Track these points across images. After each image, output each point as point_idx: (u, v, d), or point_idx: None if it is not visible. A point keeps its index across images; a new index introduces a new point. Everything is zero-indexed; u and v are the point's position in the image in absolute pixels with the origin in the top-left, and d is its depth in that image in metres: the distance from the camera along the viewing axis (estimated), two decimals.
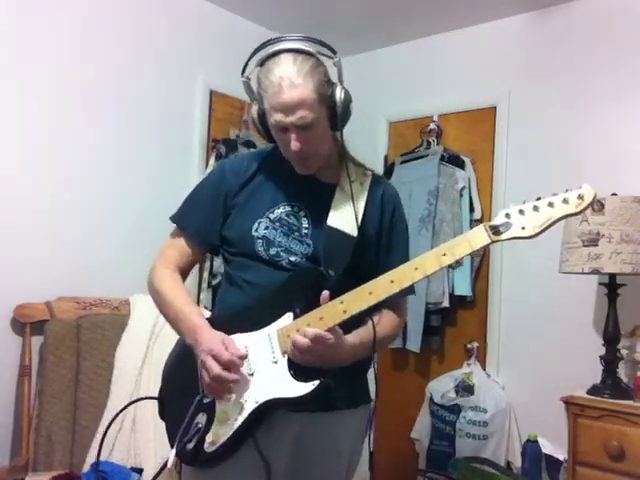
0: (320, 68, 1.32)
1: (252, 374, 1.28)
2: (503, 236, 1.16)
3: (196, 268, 2.96)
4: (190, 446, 1.28)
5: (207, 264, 2.99)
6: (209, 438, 1.27)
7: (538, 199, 1.15)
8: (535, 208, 1.14)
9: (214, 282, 2.94)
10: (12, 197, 2.41)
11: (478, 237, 1.17)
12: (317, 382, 1.22)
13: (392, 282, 1.21)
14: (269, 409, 1.26)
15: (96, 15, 2.67)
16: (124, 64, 2.78)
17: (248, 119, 3.17)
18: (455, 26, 3.31)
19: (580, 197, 1.12)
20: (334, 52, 1.34)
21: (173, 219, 1.49)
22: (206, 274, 2.99)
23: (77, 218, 2.60)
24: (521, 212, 1.15)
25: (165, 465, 1.30)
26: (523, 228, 1.15)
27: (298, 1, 3.12)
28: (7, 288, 2.37)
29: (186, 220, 1.47)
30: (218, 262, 2.91)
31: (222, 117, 3.18)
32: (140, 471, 2.22)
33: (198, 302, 2.93)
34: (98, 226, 2.66)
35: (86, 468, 2.19)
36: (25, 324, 2.37)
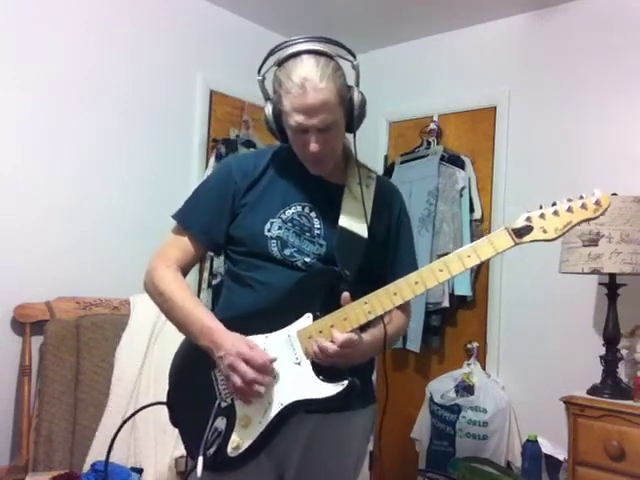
0: (340, 71, 1.33)
1: (275, 376, 1.28)
2: (525, 239, 1.20)
3: (196, 267, 2.97)
4: (211, 451, 1.28)
5: (207, 264, 2.99)
6: (233, 443, 1.27)
7: (554, 204, 1.20)
8: (555, 213, 1.19)
9: (214, 282, 2.94)
10: (12, 197, 2.41)
11: (501, 240, 1.20)
12: (346, 382, 1.23)
13: (417, 283, 1.23)
14: (294, 410, 1.27)
15: (96, 15, 2.67)
16: (124, 64, 2.78)
17: (248, 119, 3.17)
18: (455, 26, 3.31)
19: (597, 203, 1.18)
20: (354, 55, 1.37)
21: (176, 218, 1.46)
22: (206, 274, 2.99)
23: (77, 218, 2.59)
24: (542, 216, 1.20)
25: (192, 469, 1.29)
26: (545, 231, 1.19)
27: (298, 1, 3.11)
28: (7, 288, 2.37)
29: (191, 219, 1.44)
30: (218, 262, 2.91)
31: (222, 117, 3.17)
32: (140, 471, 2.22)
33: None
34: (98, 226, 2.66)
35: (86, 468, 2.18)
36: (25, 324, 2.37)
